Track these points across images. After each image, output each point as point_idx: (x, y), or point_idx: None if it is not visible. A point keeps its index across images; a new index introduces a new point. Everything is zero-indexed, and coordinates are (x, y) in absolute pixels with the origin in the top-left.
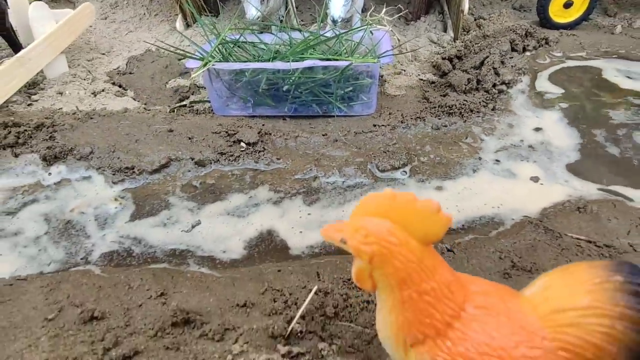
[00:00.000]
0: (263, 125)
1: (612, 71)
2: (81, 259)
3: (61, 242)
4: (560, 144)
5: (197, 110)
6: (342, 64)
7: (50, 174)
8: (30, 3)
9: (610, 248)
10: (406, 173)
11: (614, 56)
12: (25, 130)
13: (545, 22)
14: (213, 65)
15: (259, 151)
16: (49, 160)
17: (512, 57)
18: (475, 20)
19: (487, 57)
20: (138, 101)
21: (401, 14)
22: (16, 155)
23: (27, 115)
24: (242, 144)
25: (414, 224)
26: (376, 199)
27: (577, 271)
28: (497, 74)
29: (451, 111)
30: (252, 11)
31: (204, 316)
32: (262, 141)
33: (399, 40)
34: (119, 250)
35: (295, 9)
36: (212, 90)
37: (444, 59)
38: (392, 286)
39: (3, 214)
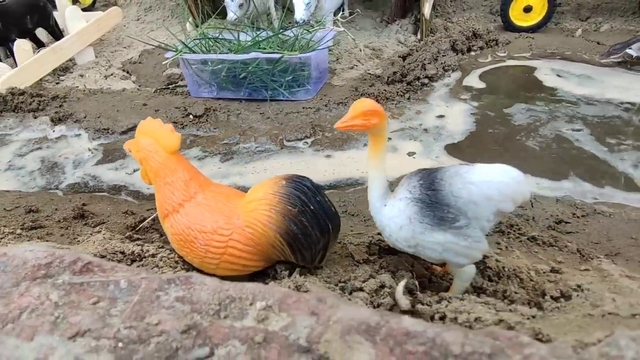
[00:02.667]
0: (219, 104)
1: (546, 70)
2: (54, 186)
3: (46, 175)
4: (453, 129)
5: (177, 92)
6: (276, 56)
7: (54, 131)
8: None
9: None
10: (307, 144)
11: (557, 57)
12: (45, 99)
13: (508, 25)
14: (181, 55)
15: (203, 122)
16: (55, 121)
17: (445, 55)
18: (444, 22)
19: (421, 54)
20: (136, 84)
21: (352, 16)
22: (35, 117)
23: (51, 90)
24: (191, 115)
25: (161, 139)
26: (145, 124)
27: (272, 179)
28: (424, 68)
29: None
30: (230, 14)
31: (97, 215)
32: (207, 115)
33: (353, 39)
34: (80, 182)
35: (275, 14)
36: (188, 76)
37: (399, 57)
38: (153, 179)
39: (17, 155)
